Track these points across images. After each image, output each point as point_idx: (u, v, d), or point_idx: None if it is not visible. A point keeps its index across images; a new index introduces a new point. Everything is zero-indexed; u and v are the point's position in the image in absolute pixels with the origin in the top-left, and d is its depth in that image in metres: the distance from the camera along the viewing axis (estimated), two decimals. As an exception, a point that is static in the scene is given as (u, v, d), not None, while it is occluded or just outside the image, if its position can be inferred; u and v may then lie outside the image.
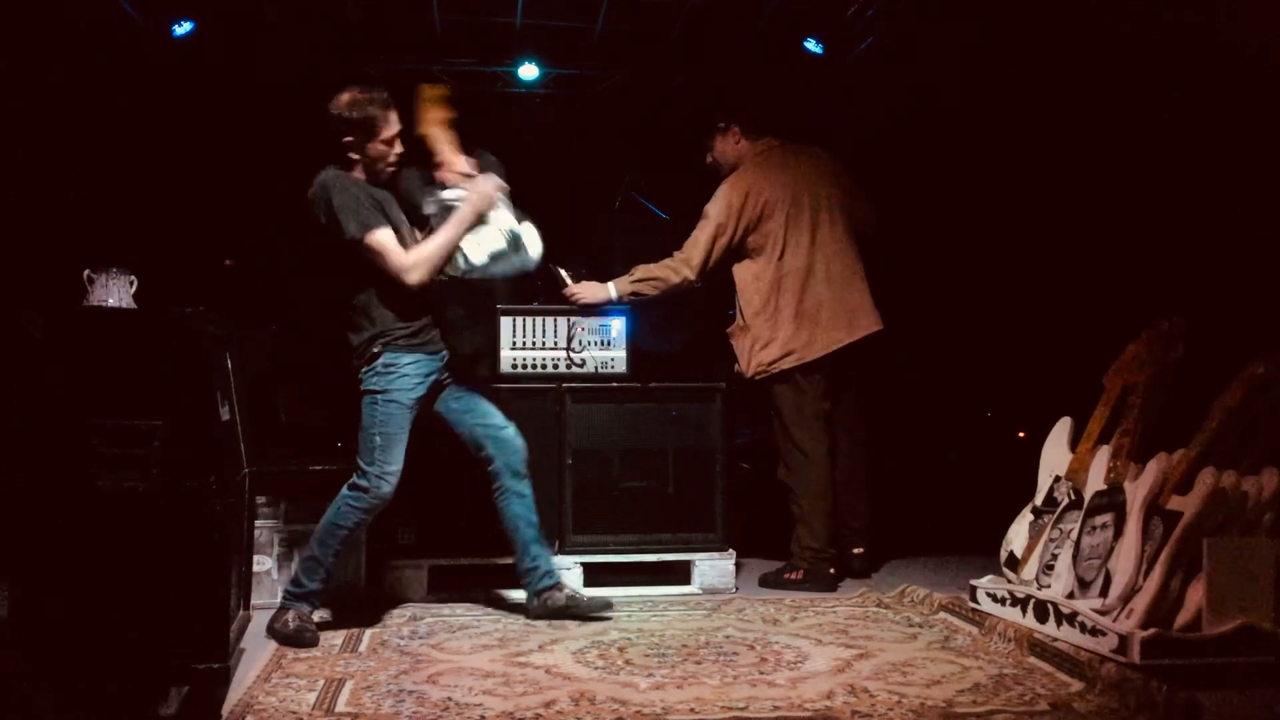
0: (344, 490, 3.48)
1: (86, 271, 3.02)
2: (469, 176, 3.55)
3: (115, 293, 3.04)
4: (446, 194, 3.52)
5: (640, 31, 5.50)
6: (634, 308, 4.28)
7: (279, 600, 3.51)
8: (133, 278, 3.07)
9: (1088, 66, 4.59)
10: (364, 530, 3.68)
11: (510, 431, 3.65)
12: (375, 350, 3.44)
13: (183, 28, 5.04)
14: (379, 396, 3.45)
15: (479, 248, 3.47)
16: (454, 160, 3.58)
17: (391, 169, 3.55)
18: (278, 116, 5.59)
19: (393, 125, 3.50)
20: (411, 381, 3.46)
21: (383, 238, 3.37)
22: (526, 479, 3.67)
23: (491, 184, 3.49)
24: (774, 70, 5.58)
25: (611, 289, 4.25)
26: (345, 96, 3.45)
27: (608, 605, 3.67)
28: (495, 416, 3.66)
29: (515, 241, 3.50)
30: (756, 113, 4.47)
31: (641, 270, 4.27)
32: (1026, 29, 4.66)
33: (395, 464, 3.43)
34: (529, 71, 5.70)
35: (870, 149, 5.07)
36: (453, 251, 3.45)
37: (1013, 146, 5.19)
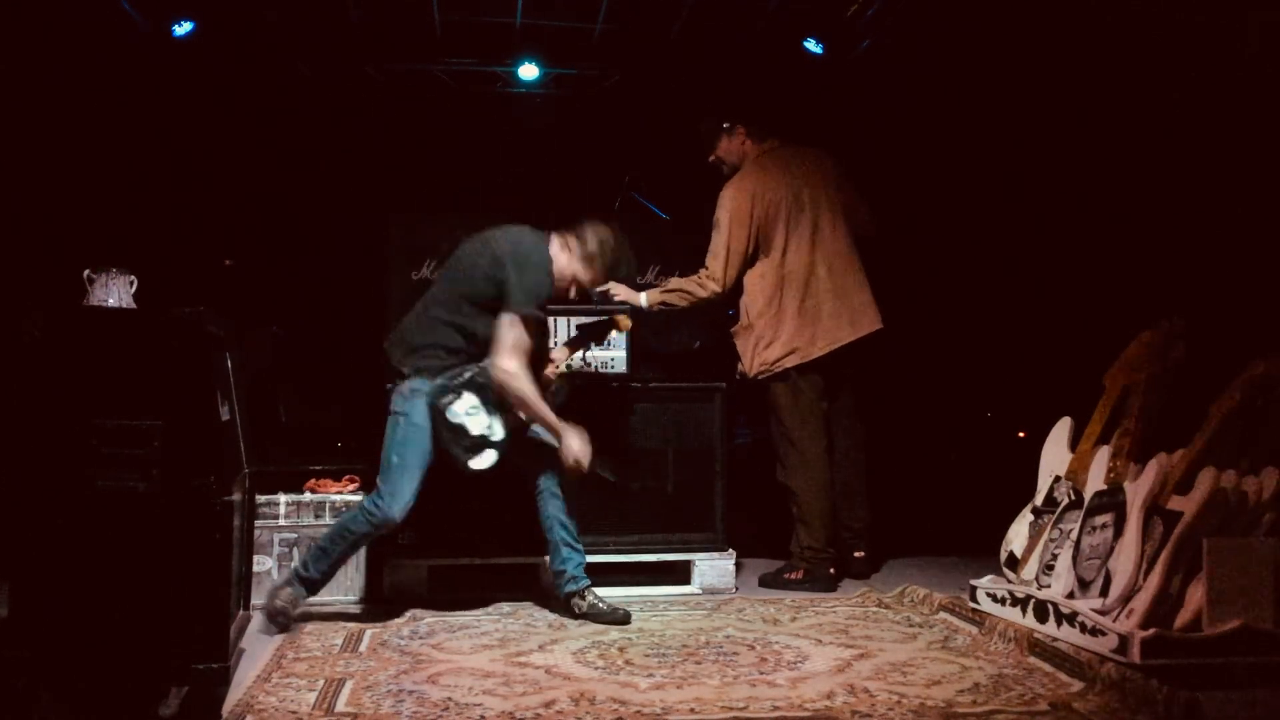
0: (364, 499, 3.56)
1: (86, 271, 3.02)
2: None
3: (115, 293, 3.03)
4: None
5: (640, 31, 5.50)
6: (635, 308, 4.29)
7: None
8: (133, 278, 3.07)
9: (1087, 67, 4.59)
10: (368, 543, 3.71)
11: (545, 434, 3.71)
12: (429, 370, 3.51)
13: (183, 28, 5.04)
14: (401, 418, 3.50)
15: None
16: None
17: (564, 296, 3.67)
18: (278, 117, 5.60)
19: (588, 281, 3.64)
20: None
21: (515, 335, 3.47)
22: (559, 479, 3.69)
23: (576, 454, 3.56)
24: (774, 70, 5.58)
25: (642, 299, 4.28)
26: (607, 233, 3.60)
27: (627, 618, 3.63)
28: None
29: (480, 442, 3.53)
30: (760, 113, 4.48)
31: (673, 283, 4.33)
32: (1027, 29, 4.67)
33: (406, 491, 3.49)
34: (529, 71, 5.70)
35: (870, 149, 5.07)
36: (523, 410, 3.52)
37: (1013, 146, 5.20)
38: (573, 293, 3.65)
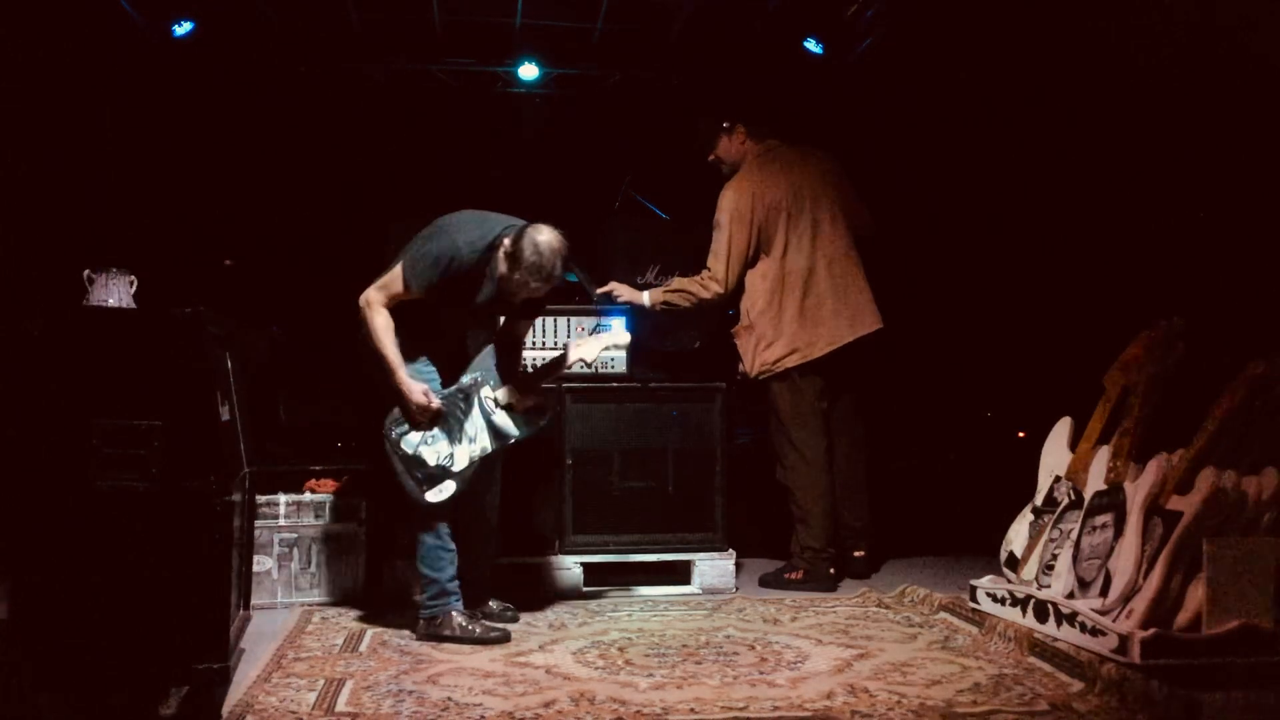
0: None
1: (86, 271, 3.02)
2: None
3: (115, 292, 3.03)
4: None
5: (640, 31, 5.50)
6: (635, 309, 4.29)
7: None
8: (132, 278, 3.07)
9: (1088, 66, 4.58)
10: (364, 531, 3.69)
11: None
12: None
13: (183, 28, 5.04)
14: None
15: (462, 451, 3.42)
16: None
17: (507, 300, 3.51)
18: (278, 117, 5.60)
19: (518, 291, 3.40)
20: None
21: (390, 278, 3.38)
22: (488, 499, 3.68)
23: (419, 404, 3.37)
24: (774, 70, 5.58)
25: (645, 298, 4.29)
26: (547, 240, 3.34)
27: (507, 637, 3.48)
28: None
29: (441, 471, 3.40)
30: (760, 113, 4.48)
31: (676, 283, 4.33)
32: (1027, 29, 4.66)
33: None
34: (529, 71, 5.70)
35: (870, 149, 5.07)
36: (369, 343, 3.39)
37: (1013, 146, 5.19)
38: (509, 292, 3.42)
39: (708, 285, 4.28)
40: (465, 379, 3.48)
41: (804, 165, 4.38)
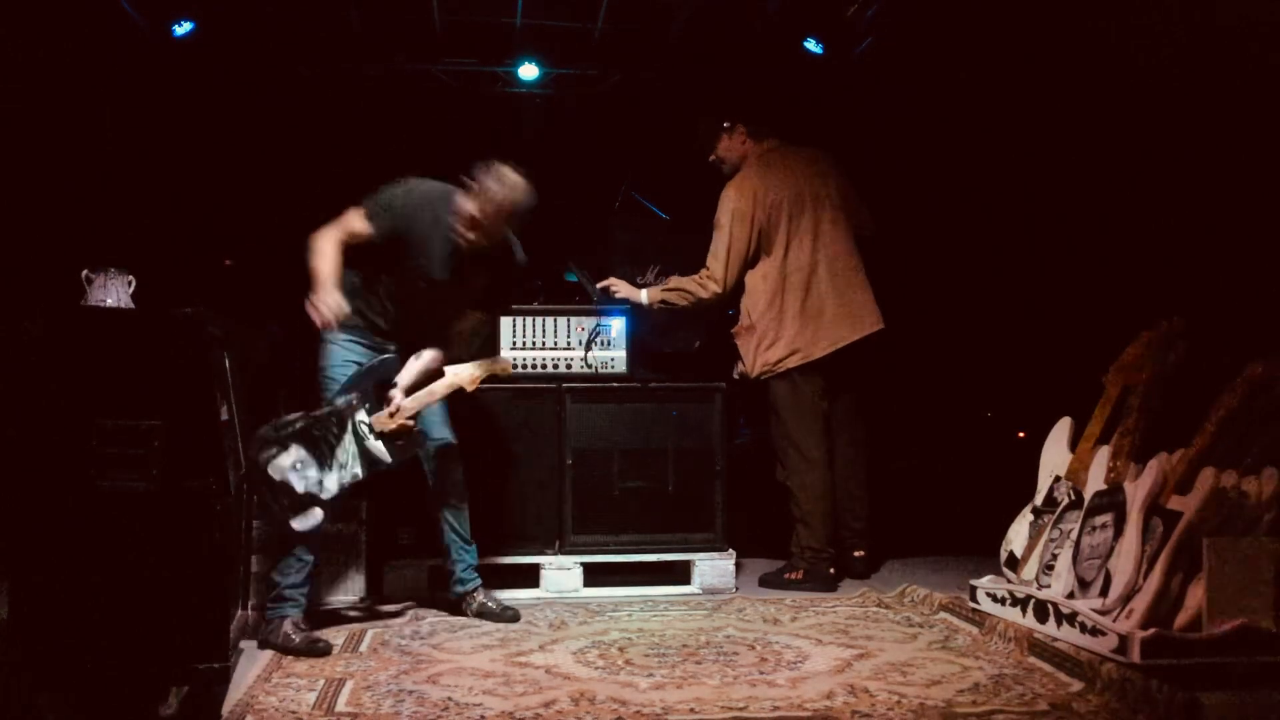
0: None
1: (85, 271, 3.02)
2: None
3: (114, 292, 3.04)
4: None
5: (640, 31, 5.50)
6: (635, 308, 4.29)
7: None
8: (131, 278, 3.07)
9: (1088, 66, 4.58)
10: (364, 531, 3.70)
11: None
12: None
13: (183, 28, 5.03)
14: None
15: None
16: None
17: (463, 239, 3.43)
18: (278, 117, 5.59)
19: (485, 218, 3.38)
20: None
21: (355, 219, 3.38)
22: (452, 481, 3.71)
23: (323, 313, 3.26)
24: (774, 70, 5.57)
25: (643, 295, 4.29)
26: (505, 172, 3.37)
27: (517, 617, 3.66)
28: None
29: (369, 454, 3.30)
30: (760, 113, 4.48)
31: (674, 281, 4.33)
32: (1027, 29, 4.66)
33: None
34: (529, 71, 5.70)
35: (870, 149, 5.06)
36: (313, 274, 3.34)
37: (1013, 146, 5.19)
38: (470, 234, 3.38)
39: (706, 285, 4.28)
40: (340, 400, 3.31)
41: (805, 165, 4.38)
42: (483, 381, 3.60)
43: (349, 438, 3.27)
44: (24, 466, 2.62)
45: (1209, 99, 4.12)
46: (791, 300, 4.26)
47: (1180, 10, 3.98)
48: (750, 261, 4.30)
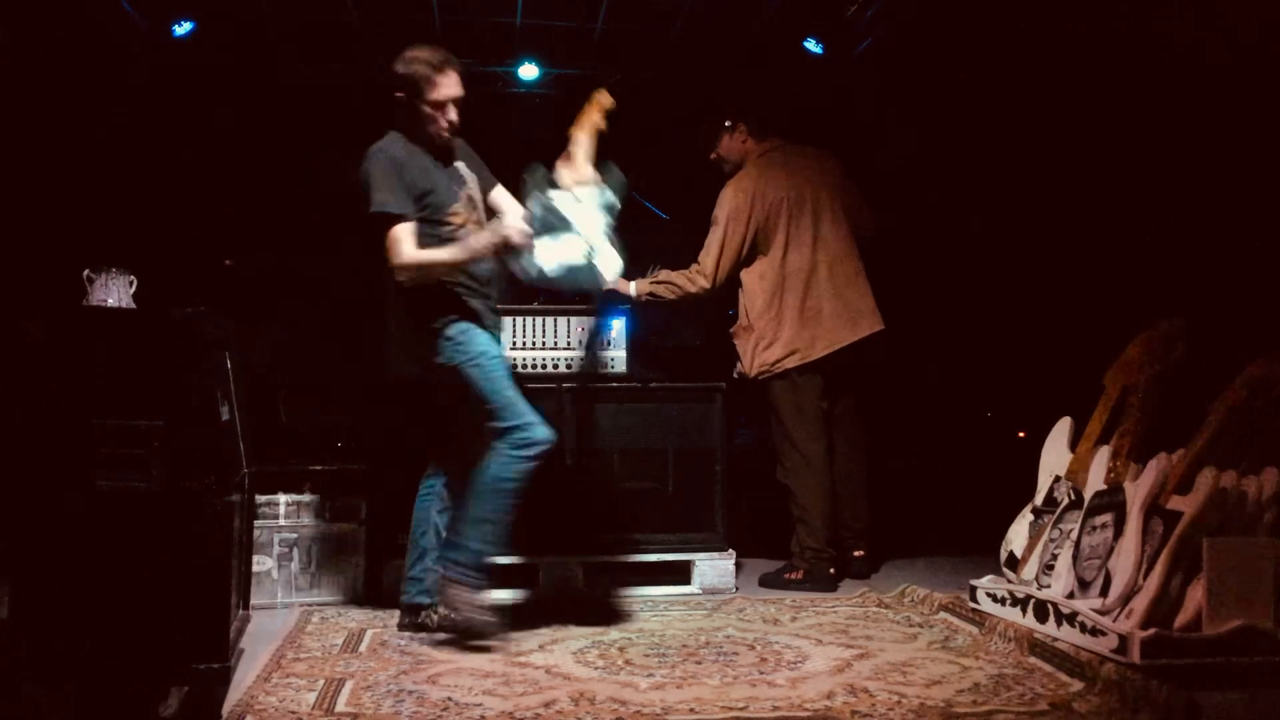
0: (498, 445, 3.31)
1: (86, 271, 3.02)
2: (582, 185, 3.46)
3: (115, 292, 3.04)
4: (553, 195, 3.38)
5: (640, 31, 5.50)
6: (635, 307, 4.29)
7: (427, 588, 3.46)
8: (132, 278, 3.07)
9: (1088, 67, 4.59)
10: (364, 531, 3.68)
11: None
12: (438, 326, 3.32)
13: (183, 28, 5.04)
14: (476, 359, 3.31)
15: (553, 255, 3.28)
16: (580, 166, 3.53)
17: (445, 134, 3.43)
18: (278, 116, 5.59)
19: (444, 88, 3.37)
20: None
21: (397, 227, 3.29)
22: (449, 481, 3.61)
23: (517, 230, 3.26)
24: (774, 70, 5.57)
25: (632, 287, 4.30)
26: (404, 53, 3.36)
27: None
28: None
29: (589, 260, 3.31)
30: (761, 112, 4.48)
31: (663, 274, 4.32)
32: (1027, 29, 4.66)
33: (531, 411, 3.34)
34: (529, 71, 5.70)
35: (870, 149, 5.06)
36: (454, 266, 3.30)
37: (1013, 146, 5.19)
38: (447, 120, 3.41)
39: (695, 279, 4.28)
40: (532, 205, 3.32)
41: (805, 165, 4.38)
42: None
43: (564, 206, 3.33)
44: (24, 466, 2.62)
45: (1210, 98, 4.12)
46: (790, 301, 4.26)
47: (1180, 10, 3.98)
48: (746, 260, 4.30)
